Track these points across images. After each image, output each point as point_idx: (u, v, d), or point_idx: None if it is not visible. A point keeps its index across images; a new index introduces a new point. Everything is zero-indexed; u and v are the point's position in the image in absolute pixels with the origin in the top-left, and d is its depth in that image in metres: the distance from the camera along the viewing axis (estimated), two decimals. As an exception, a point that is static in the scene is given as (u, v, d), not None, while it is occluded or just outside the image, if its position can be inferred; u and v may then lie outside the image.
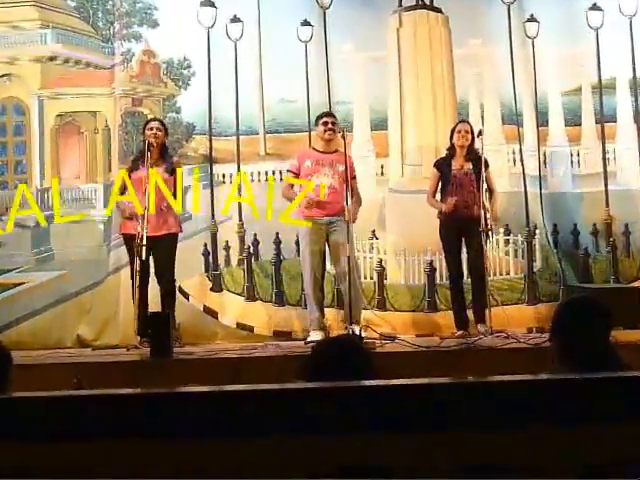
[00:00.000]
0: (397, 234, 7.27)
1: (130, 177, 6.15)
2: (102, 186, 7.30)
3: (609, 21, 7.35)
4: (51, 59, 7.33)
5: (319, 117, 6.35)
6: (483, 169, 6.20)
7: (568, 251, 7.31)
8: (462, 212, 6.22)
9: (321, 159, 6.20)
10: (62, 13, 7.45)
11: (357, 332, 5.95)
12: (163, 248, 6.11)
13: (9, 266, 7.18)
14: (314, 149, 6.37)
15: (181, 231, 6.34)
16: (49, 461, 1.65)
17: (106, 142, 7.36)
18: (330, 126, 6.17)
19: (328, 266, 6.51)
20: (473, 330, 6.28)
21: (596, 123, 7.46)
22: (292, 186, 6.33)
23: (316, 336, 6.04)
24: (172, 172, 6.20)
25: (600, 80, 7.43)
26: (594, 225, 7.33)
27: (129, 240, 6.11)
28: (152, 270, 6.17)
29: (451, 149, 6.43)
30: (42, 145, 7.36)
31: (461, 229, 6.26)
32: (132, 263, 6.06)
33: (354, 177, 6.24)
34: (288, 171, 6.44)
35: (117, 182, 6.34)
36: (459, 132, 6.35)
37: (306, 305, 6.82)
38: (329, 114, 6.39)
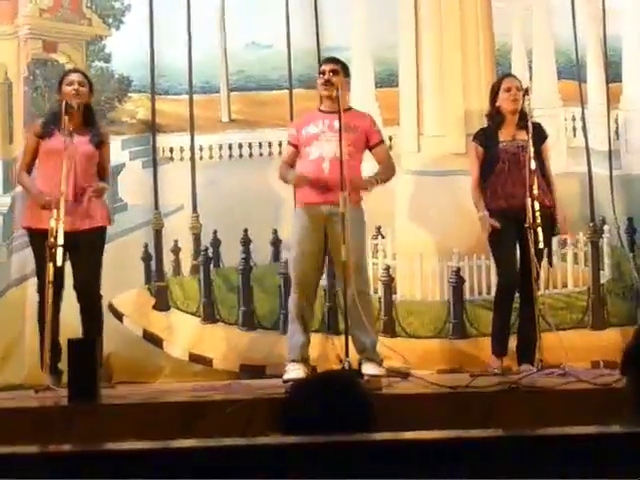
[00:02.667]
0: (411, 231, 7.28)
1: (39, 147, 6.20)
2: (0, 163, 7.35)
3: None
4: None
5: (321, 65, 6.50)
6: (531, 142, 6.21)
7: (652, 256, 7.32)
8: (517, 202, 6.21)
9: (322, 121, 6.29)
10: None
11: (354, 366, 5.99)
12: (85, 248, 6.15)
13: None
14: (319, 110, 6.44)
15: (110, 224, 6.38)
16: None
17: (6, 102, 7.39)
18: (327, 76, 6.27)
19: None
20: (516, 367, 6.33)
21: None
22: (290, 163, 6.38)
23: (295, 371, 6.10)
24: (99, 144, 6.28)
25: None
26: (685, 221, 7.34)
27: (37, 238, 6.11)
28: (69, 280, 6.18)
29: (497, 114, 6.47)
30: None
31: (516, 226, 6.23)
32: (41, 270, 6.04)
33: (380, 142, 6.39)
34: (288, 143, 6.49)
35: (25, 155, 6.38)
36: (508, 90, 6.41)
37: (285, 329, 6.84)
38: (328, 60, 6.51)
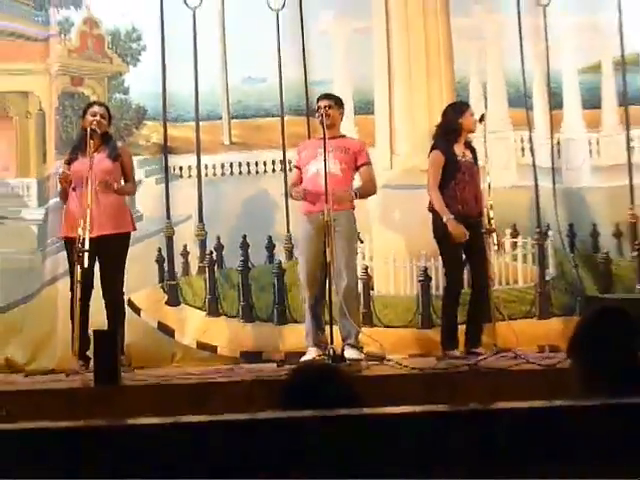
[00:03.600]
0: (385, 236, 7.26)
1: (69, 170, 6.16)
2: (35, 181, 7.28)
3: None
4: (-29, 29, 7.30)
5: (318, 100, 6.45)
6: (478, 160, 6.31)
7: (586, 256, 7.32)
8: (472, 209, 6.24)
9: (319, 145, 6.25)
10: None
11: (338, 351, 5.98)
12: (111, 251, 6.10)
13: None
14: (315, 138, 6.51)
15: (134, 229, 6.35)
16: None
17: (40, 128, 7.33)
18: (322, 111, 6.24)
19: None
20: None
21: (619, 106, 7.49)
22: (296, 184, 6.38)
23: (310, 354, 6.16)
24: (116, 158, 6.24)
25: (623, 55, 7.46)
26: (617, 225, 7.34)
27: (68, 244, 6.11)
28: (96, 279, 6.17)
29: (457, 131, 6.40)
30: (-37, 132, 7.33)
31: (472, 229, 6.22)
32: (72, 271, 6.02)
33: (367, 164, 6.40)
34: (294, 167, 6.58)
35: (61, 181, 6.30)
36: (472, 115, 6.40)
37: (279, 320, 7.02)
38: (325, 96, 6.45)
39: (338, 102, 6.39)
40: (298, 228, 6.50)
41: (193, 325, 7.15)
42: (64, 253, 6.59)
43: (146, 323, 7.03)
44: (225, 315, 7.19)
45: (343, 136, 6.40)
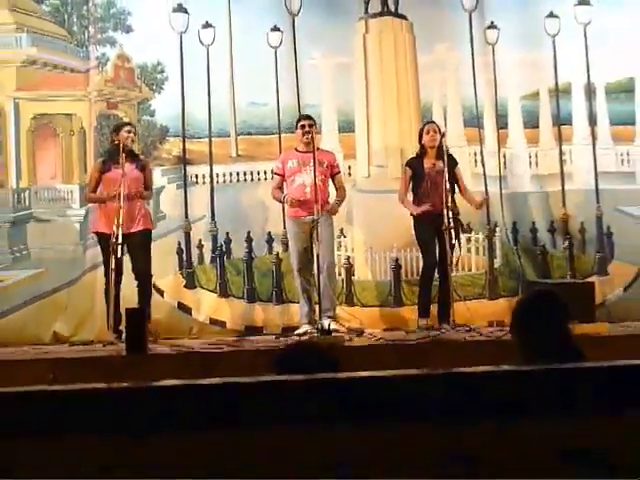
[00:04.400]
0: (364, 232, 7.25)
1: (102, 178, 6.15)
2: (78, 187, 7.23)
3: (565, 28, 7.38)
4: (26, 63, 7.25)
5: (298, 121, 6.40)
6: (445, 169, 6.20)
7: (527, 248, 7.29)
8: (437, 210, 6.18)
9: (302, 158, 6.22)
10: (37, 17, 7.37)
11: (326, 327, 5.96)
12: (139, 244, 6.11)
13: (-14, 264, 7.07)
14: (296, 150, 6.37)
15: (153, 227, 6.33)
16: (24, 458, 1.61)
17: (82, 144, 7.30)
18: (307, 129, 6.20)
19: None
20: (437, 325, 6.28)
21: (553, 126, 7.46)
22: (279, 187, 6.35)
23: (303, 329, 6.13)
24: (142, 169, 6.23)
25: (557, 85, 7.45)
26: (551, 223, 7.32)
27: (103, 238, 6.08)
28: (125, 268, 6.14)
29: (422, 149, 6.41)
30: (18, 146, 7.27)
31: (436, 226, 6.18)
32: (106, 260, 6.01)
33: (339, 172, 6.40)
34: (274, 173, 6.51)
35: (90, 183, 6.34)
36: (428, 132, 6.34)
37: (278, 300, 6.97)
38: (306, 117, 6.41)
39: (314, 122, 6.37)
40: (288, 230, 6.48)
41: (206, 304, 7.11)
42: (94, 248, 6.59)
43: (168, 303, 6.99)
44: (233, 296, 7.15)
45: (319, 148, 6.29)
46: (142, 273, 6.16)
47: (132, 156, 6.20)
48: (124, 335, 5.72)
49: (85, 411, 1.67)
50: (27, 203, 7.21)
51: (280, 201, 6.39)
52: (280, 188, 6.36)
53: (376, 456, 1.66)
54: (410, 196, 6.44)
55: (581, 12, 7.41)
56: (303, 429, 1.66)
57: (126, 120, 6.96)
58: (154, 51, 7.32)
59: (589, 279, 6.92)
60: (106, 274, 6.06)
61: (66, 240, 7.09)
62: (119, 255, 5.89)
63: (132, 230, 6.04)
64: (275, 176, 6.45)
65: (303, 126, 6.23)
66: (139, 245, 6.12)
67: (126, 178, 5.98)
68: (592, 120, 7.45)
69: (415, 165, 6.37)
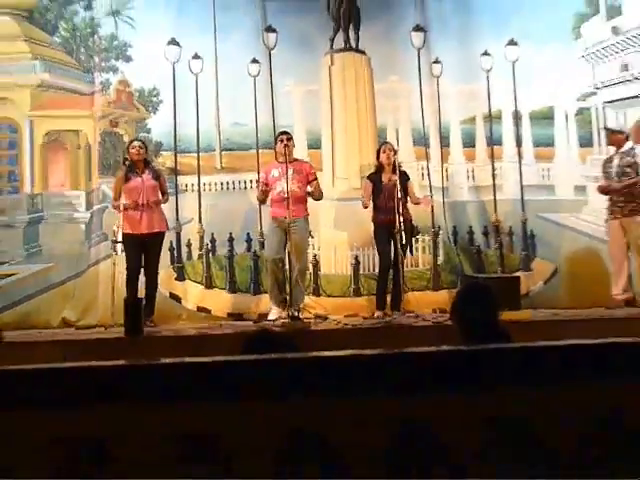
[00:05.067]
0: (329, 233, 7.21)
1: (122, 190, 6.03)
2: (84, 193, 7.17)
3: (497, 65, 7.43)
4: (40, 86, 7.17)
5: (276, 137, 6.32)
6: (398, 182, 6.13)
7: (465, 248, 7.32)
8: (391, 217, 6.11)
9: (283, 168, 6.12)
10: (49, 47, 7.29)
11: (296, 314, 5.92)
12: (155, 244, 6.02)
13: (2, 259, 6.98)
14: (277, 161, 6.26)
15: (167, 229, 6.22)
16: (38, 427, 1.60)
17: (87, 156, 7.22)
18: (285, 142, 6.13)
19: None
20: (389, 312, 6.27)
21: (487, 146, 7.50)
22: (265, 192, 6.27)
23: (275, 313, 6.09)
24: (157, 178, 6.13)
25: (490, 112, 7.50)
26: (485, 227, 7.34)
27: (126, 238, 5.94)
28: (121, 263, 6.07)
29: (379, 165, 6.35)
30: (32, 158, 7.19)
31: (390, 230, 6.13)
32: (129, 257, 5.93)
33: (315, 179, 6.28)
34: (259, 182, 6.48)
35: (115, 191, 6.16)
36: (384, 151, 6.30)
37: (255, 291, 6.89)
38: (283, 132, 6.31)
39: (291, 136, 6.35)
40: (268, 226, 6.39)
41: (194, 295, 7.07)
42: (105, 243, 6.55)
43: (162, 293, 6.74)
44: (217, 288, 7.11)
45: (297, 159, 6.27)
46: (152, 269, 6.03)
47: (148, 166, 6.09)
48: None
49: (88, 385, 1.66)
50: (40, 207, 7.14)
51: (263, 202, 6.36)
52: (265, 193, 6.29)
53: (331, 424, 1.65)
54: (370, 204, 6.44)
55: (510, 51, 7.46)
56: (274, 402, 1.65)
57: (126, 137, 6.91)
58: (150, 78, 7.30)
59: (516, 274, 6.93)
60: (128, 268, 5.95)
61: (73, 239, 7.04)
62: (120, 252, 5.82)
63: (152, 231, 5.96)
64: (261, 185, 6.37)
65: (282, 140, 6.15)
66: (154, 245, 5.99)
67: (144, 186, 5.94)
68: (518, 141, 7.51)
69: (374, 179, 6.31)
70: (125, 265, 5.91)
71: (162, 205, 6.17)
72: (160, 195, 6.10)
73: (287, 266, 6.23)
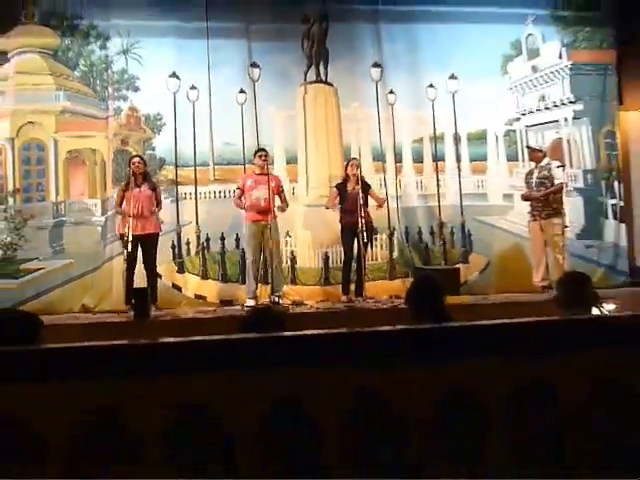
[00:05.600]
0: (304, 233, 7.14)
1: (124, 196, 5.96)
2: (100, 200, 7.05)
3: (440, 95, 7.45)
4: (63, 112, 7.04)
5: (256, 152, 6.26)
6: (361, 190, 6.16)
7: (415, 244, 7.28)
8: (354, 219, 6.08)
9: (257, 179, 6.09)
10: (70, 80, 7.15)
11: (276, 300, 5.95)
12: (151, 243, 5.95)
13: (33, 256, 6.84)
14: (253, 172, 6.23)
15: (161, 231, 6.13)
16: (68, 397, 1.57)
17: (102, 170, 7.08)
18: (263, 158, 6.12)
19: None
20: (354, 297, 6.26)
21: (432, 161, 7.44)
22: (240, 198, 6.25)
23: (251, 302, 5.99)
24: (154, 189, 6.09)
25: (435, 133, 7.50)
26: (431, 227, 7.31)
27: (124, 238, 5.93)
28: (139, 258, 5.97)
29: (346, 177, 6.34)
30: (56, 172, 7.05)
31: (354, 230, 6.11)
32: (128, 253, 5.87)
33: (283, 190, 6.26)
34: (237, 188, 6.38)
35: (117, 199, 6.11)
36: (352, 165, 6.33)
37: (242, 281, 6.76)
38: (261, 149, 6.31)
39: (267, 153, 6.27)
40: (247, 230, 6.30)
41: (192, 284, 6.94)
42: (117, 242, 6.42)
43: (165, 284, 6.77)
44: (211, 279, 7.00)
45: (270, 172, 6.22)
46: (152, 263, 5.98)
47: (146, 179, 6.01)
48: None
49: (104, 360, 1.63)
50: (63, 212, 7.01)
51: (241, 207, 6.30)
52: (240, 199, 6.28)
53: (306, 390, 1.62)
54: (338, 209, 6.36)
55: (451, 84, 7.47)
56: (264, 372, 1.63)
57: (134, 153, 6.79)
58: (155, 105, 7.13)
59: (456, 266, 6.99)
60: (126, 260, 5.90)
61: (91, 239, 6.91)
62: (130, 250, 5.75)
63: (145, 232, 5.88)
64: (237, 190, 6.34)
65: (261, 156, 6.13)
66: (150, 244, 5.93)
67: (141, 195, 5.88)
68: (458, 158, 7.54)
69: (341, 188, 6.30)
70: (126, 257, 5.88)
71: (162, 210, 6.12)
72: (155, 204, 6.04)
73: (268, 261, 6.17)
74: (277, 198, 6.24)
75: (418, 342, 1.76)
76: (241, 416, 1.57)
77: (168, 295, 6.62)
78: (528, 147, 7.03)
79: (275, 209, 6.14)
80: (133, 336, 4.64)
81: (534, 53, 7.79)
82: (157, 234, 6.04)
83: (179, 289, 6.92)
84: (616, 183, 7.52)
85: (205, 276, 7.01)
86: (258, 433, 1.57)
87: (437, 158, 7.53)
